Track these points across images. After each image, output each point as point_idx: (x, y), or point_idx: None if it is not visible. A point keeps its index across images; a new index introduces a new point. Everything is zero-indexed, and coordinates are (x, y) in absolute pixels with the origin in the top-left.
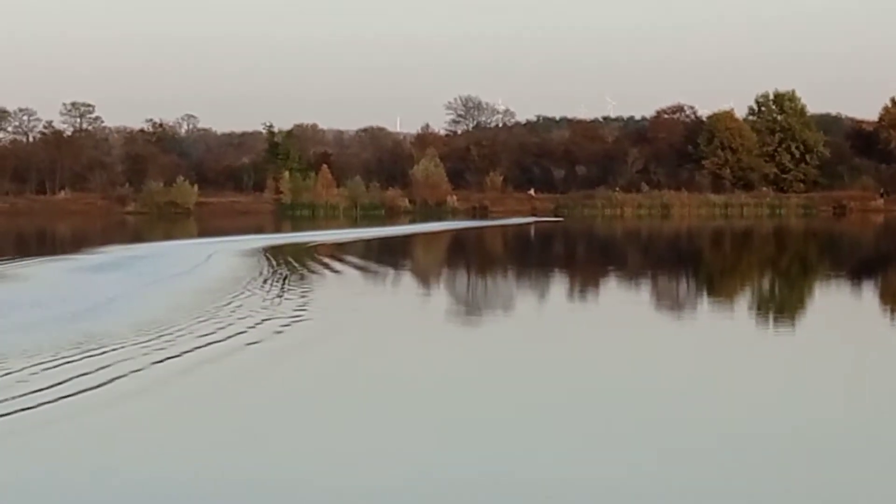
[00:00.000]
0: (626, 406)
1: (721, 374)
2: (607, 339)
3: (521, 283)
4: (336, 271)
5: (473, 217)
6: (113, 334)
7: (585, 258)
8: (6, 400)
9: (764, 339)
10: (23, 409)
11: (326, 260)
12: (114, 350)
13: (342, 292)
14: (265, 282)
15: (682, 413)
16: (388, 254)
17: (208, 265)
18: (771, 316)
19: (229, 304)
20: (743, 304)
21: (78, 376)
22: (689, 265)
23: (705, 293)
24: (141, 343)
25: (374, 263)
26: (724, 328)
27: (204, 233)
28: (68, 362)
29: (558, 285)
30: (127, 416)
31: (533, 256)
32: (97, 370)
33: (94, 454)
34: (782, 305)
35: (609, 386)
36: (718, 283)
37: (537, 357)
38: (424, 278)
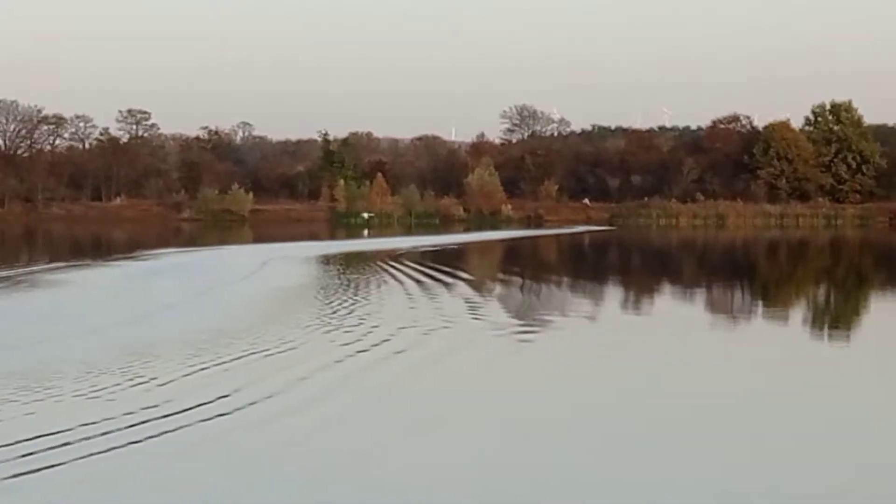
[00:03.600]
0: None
1: (792, 389)
2: (692, 352)
3: (596, 293)
4: (440, 282)
5: (528, 226)
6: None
7: (662, 269)
8: (185, 410)
9: (840, 354)
10: (193, 423)
11: (410, 265)
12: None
13: (450, 299)
14: (353, 288)
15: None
16: (460, 261)
17: (284, 272)
18: (840, 330)
19: (349, 311)
20: (813, 317)
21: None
22: (752, 276)
23: (771, 306)
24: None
25: (459, 271)
26: (794, 343)
27: (261, 239)
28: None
29: (637, 296)
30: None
31: (592, 265)
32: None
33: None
34: (850, 319)
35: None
36: (785, 296)
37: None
38: (518, 286)
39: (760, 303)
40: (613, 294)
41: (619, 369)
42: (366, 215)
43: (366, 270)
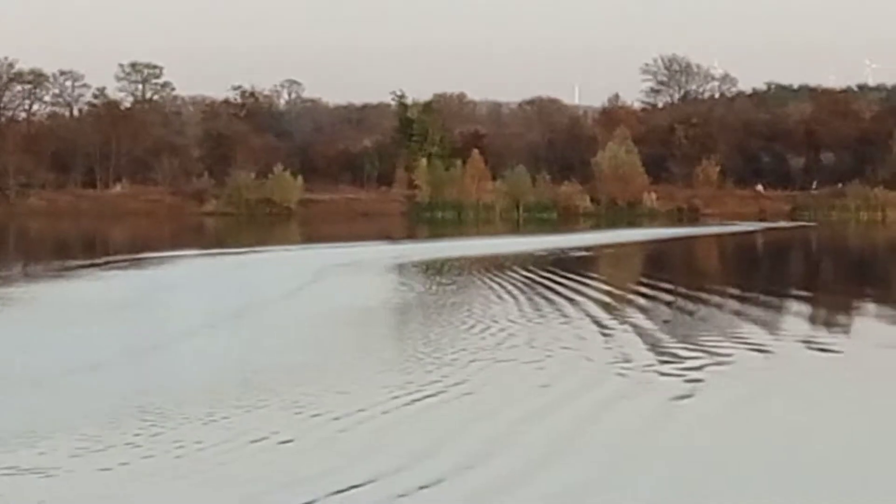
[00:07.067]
0: None
1: None
2: None
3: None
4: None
5: (679, 221)
6: None
7: None
8: None
9: None
10: None
11: (535, 280)
12: None
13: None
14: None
15: None
16: (605, 279)
17: (350, 285)
18: None
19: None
20: None
21: None
22: None
23: None
24: None
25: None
26: None
27: (314, 239)
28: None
29: None
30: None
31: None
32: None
33: None
34: None
35: None
36: None
37: None
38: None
39: None
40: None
41: None
42: None
43: (471, 284)
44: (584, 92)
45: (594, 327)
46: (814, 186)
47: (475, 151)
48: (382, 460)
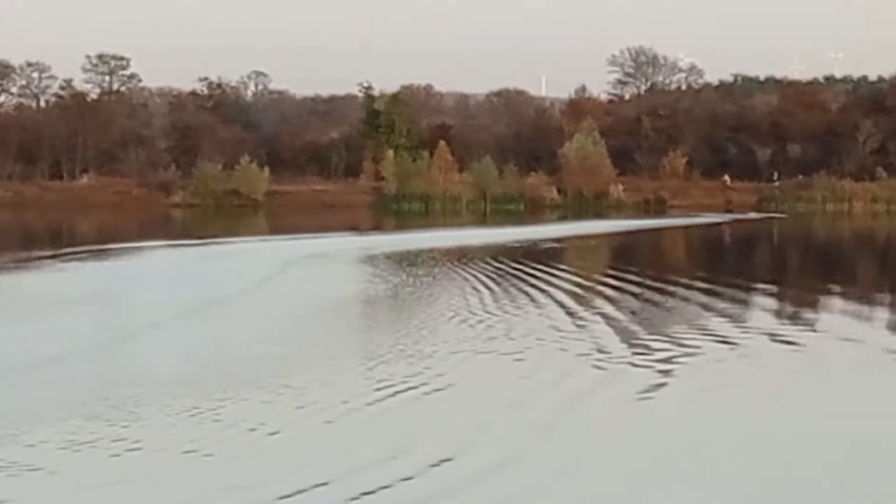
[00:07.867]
0: None
1: None
2: None
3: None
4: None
5: (646, 213)
6: None
7: None
8: None
9: None
10: None
11: (512, 271)
12: None
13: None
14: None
15: None
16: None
17: (320, 276)
18: None
19: None
20: None
21: None
22: None
23: None
24: None
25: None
26: None
27: (281, 231)
28: None
29: None
30: None
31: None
32: None
33: None
34: None
35: None
36: None
37: None
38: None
39: None
40: None
41: None
42: None
43: (445, 276)
44: (550, 83)
45: (584, 311)
46: (775, 178)
47: (442, 143)
48: (429, 448)
